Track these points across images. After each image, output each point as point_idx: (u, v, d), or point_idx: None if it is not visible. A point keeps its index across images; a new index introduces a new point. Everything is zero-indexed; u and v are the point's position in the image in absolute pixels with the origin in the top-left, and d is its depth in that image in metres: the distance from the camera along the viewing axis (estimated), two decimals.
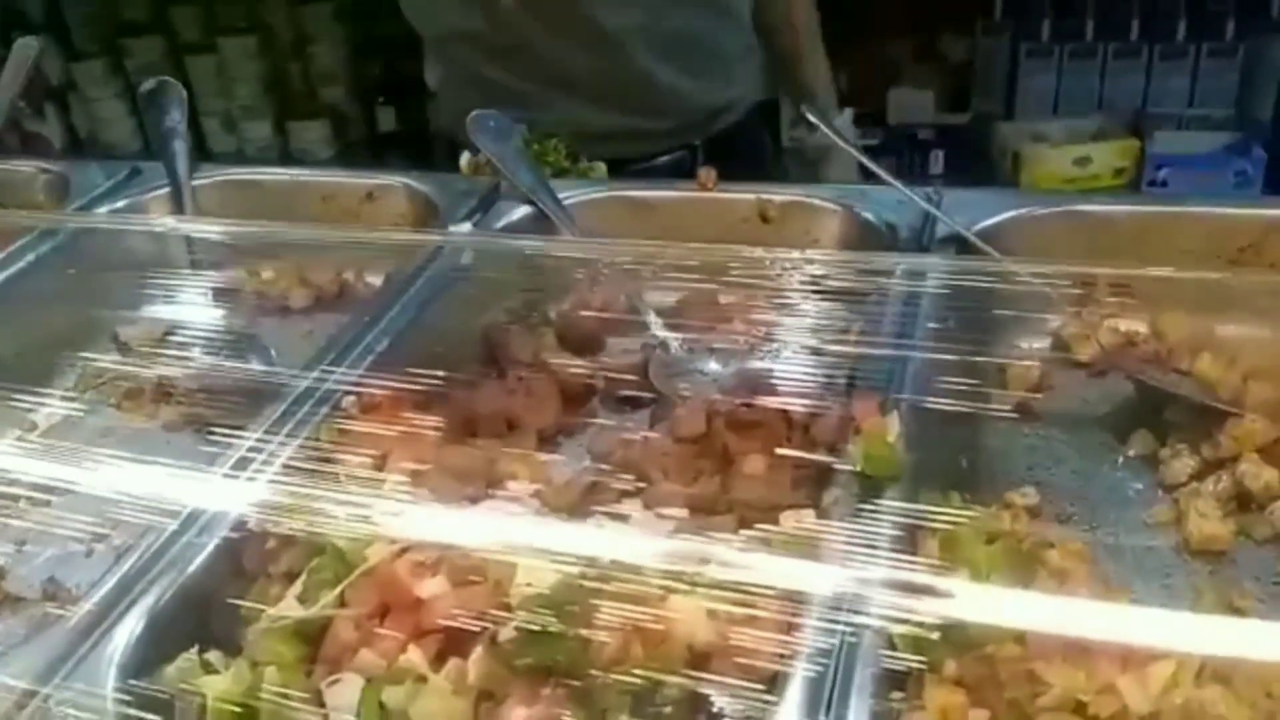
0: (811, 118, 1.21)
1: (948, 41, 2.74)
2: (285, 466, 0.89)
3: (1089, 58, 2.53)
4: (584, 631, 0.72)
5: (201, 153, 2.44)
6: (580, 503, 0.92)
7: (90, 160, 1.46)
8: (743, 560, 0.74)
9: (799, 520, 0.84)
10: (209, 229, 1.21)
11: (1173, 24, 2.48)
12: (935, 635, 0.69)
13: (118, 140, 2.92)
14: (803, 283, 1.00)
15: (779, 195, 1.23)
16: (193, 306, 1.21)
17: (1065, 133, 2.50)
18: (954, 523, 0.79)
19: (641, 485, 0.92)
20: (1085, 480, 0.97)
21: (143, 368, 1.16)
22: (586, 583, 0.74)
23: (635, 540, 0.82)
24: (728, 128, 1.66)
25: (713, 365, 1.08)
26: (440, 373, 0.95)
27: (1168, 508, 0.92)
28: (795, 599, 0.72)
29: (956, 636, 0.70)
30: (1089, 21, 2.52)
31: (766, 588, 0.72)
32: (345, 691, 0.74)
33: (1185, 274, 0.90)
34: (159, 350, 1.19)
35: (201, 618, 0.81)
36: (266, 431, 0.93)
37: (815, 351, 0.99)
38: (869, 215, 1.18)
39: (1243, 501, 0.90)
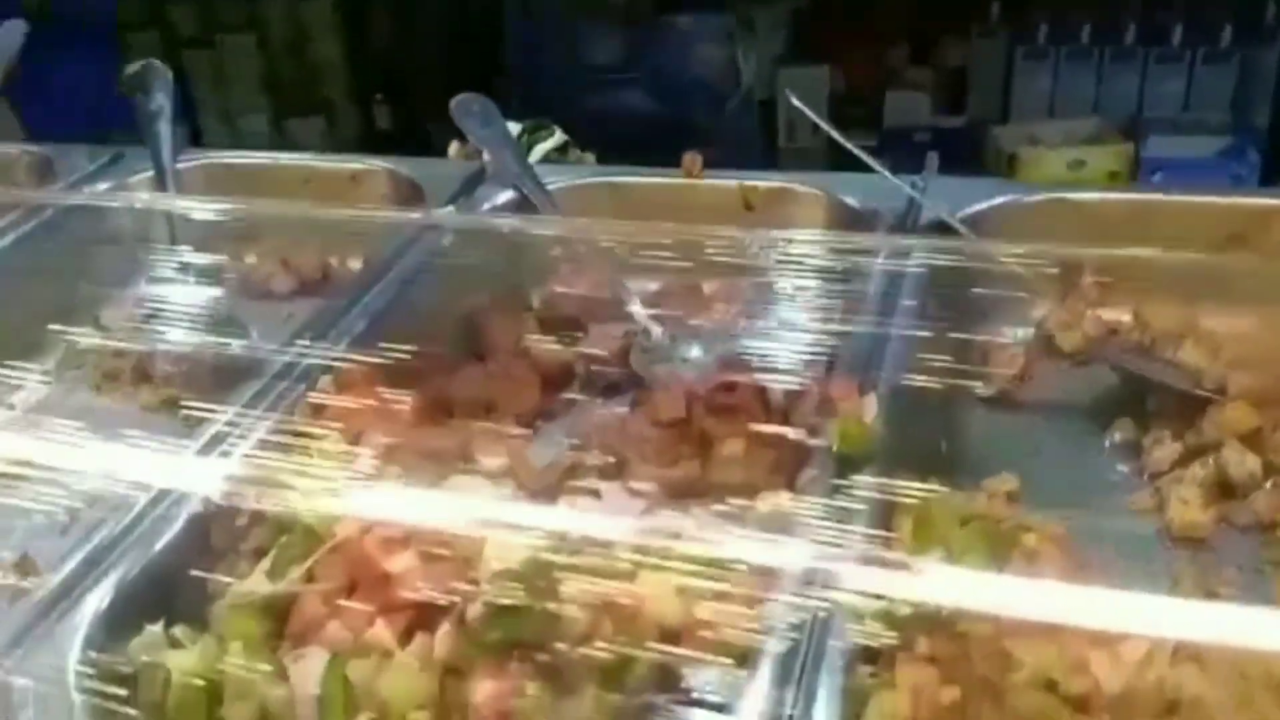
0: (795, 101, 1.21)
1: (944, 44, 2.74)
2: (259, 443, 0.88)
3: (1085, 61, 2.53)
4: (552, 606, 0.71)
5: (198, 147, 2.43)
6: (556, 486, 0.91)
7: (74, 144, 1.45)
8: (714, 536, 0.74)
9: (775, 503, 0.83)
10: (189, 204, 1.20)
11: (1169, 28, 2.48)
12: (907, 612, 0.68)
13: None
14: (781, 263, 0.99)
15: (763, 182, 1.23)
16: (175, 289, 1.20)
17: (1060, 135, 2.50)
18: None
19: (620, 468, 0.91)
20: (1067, 467, 0.96)
21: (123, 349, 1.15)
22: (557, 558, 0.73)
23: (607, 517, 0.81)
24: None
25: (694, 350, 1.07)
26: (418, 350, 0.94)
27: (1149, 495, 0.91)
28: (767, 575, 0.71)
29: (929, 614, 0.69)
30: (1085, 25, 2.52)
31: (738, 563, 0.71)
32: (311, 666, 0.73)
33: (1168, 255, 0.89)
34: (139, 331, 1.18)
35: (170, 593, 0.80)
36: (242, 408, 0.92)
37: (796, 333, 0.98)
38: (853, 202, 1.18)
39: (1224, 489, 0.90)
